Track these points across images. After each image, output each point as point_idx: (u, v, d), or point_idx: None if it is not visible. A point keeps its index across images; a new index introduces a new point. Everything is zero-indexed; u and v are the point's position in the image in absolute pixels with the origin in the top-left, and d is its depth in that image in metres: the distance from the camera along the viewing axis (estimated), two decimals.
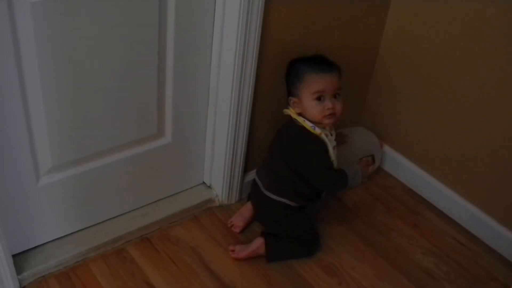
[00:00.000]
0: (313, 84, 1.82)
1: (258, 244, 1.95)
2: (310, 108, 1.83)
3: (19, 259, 1.79)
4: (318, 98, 1.82)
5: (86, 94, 1.66)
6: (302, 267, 1.97)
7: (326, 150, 1.88)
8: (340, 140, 2.06)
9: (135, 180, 1.96)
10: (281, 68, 1.94)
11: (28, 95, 1.54)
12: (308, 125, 1.85)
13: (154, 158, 1.96)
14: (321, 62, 1.85)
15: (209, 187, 2.18)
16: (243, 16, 1.73)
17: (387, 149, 2.42)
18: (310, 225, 2.04)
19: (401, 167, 2.39)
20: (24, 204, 1.72)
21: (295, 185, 1.93)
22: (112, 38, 1.61)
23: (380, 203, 2.30)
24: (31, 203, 1.74)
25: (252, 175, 2.15)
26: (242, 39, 1.77)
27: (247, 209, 2.09)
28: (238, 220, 2.07)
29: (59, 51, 1.53)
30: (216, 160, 2.10)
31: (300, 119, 1.86)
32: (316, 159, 1.88)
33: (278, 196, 1.94)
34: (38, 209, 1.77)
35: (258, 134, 2.09)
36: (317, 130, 1.84)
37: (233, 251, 1.96)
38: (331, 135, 1.90)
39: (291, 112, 1.88)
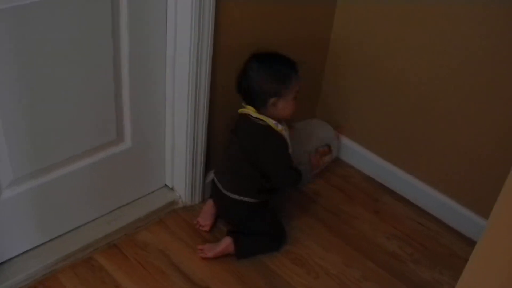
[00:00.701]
0: (296, 85, 1.89)
1: (226, 243, 1.96)
2: (288, 107, 1.90)
3: None
4: (295, 97, 1.89)
5: (42, 104, 1.64)
6: (272, 261, 2.00)
7: (287, 147, 1.93)
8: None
9: (98, 187, 1.95)
10: (236, 66, 1.96)
11: None
12: (272, 122, 1.89)
13: (115, 163, 1.95)
14: (291, 61, 1.92)
15: (172, 189, 2.18)
16: (195, 16, 1.74)
17: (344, 139, 2.46)
18: (274, 219, 2.06)
19: (358, 156, 2.44)
20: None
21: (257, 183, 1.95)
22: (66, 45, 1.60)
23: (340, 192, 2.34)
24: None
25: (212, 175, 2.16)
26: (195, 38, 1.79)
27: (209, 207, 2.10)
28: (204, 219, 2.08)
29: (13, 62, 1.51)
30: (176, 162, 2.10)
31: (264, 118, 1.89)
32: (282, 159, 1.94)
33: (239, 195, 1.96)
34: (2, 223, 1.73)
35: (216, 133, 2.10)
36: (279, 127, 1.89)
37: (201, 250, 1.96)
38: (285, 130, 1.95)
39: (250, 110, 1.90)
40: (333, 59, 2.38)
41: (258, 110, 1.90)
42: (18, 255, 1.84)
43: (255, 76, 1.87)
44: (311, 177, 2.26)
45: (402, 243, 2.12)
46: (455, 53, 1.97)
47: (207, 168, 2.16)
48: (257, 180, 1.95)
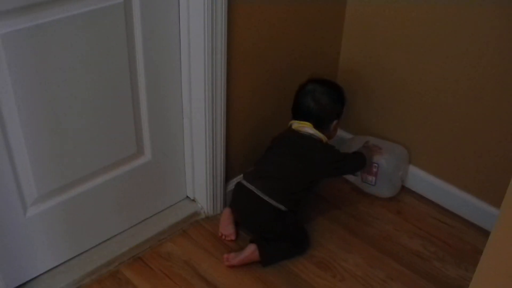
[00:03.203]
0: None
1: (251, 250, 1.97)
2: (337, 128, 2.14)
3: None
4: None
5: (63, 121, 1.67)
6: (296, 265, 2.00)
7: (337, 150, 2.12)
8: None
9: (120, 201, 1.97)
10: (250, 74, 1.99)
11: (7, 127, 1.55)
12: (323, 137, 2.05)
13: (136, 177, 1.97)
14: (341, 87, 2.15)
15: (193, 200, 2.20)
16: (208, 27, 1.77)
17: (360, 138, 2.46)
18: (297, 224, 2.06)
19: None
20: (14, 237, 1.72)
21: (299, 193, 2.02)
22: (83, 62, 1.63)
23: (360, 194, 2.34)
24: (21, 235, 1.73)
25: (233, 184, 2.17)
26: (209, 49, 1.81)
27: (227, 216, 2.11)
28: (226, 229, 2.09)
29: (34, 80, 1.54)
30: (197, 173, 2.12)
31: (319, 134, 2.04)
32: (340, 154, 2.11)
33: (273, 199, 1.95)
34: (28, 241, 1.76)
35: (235, 142, 2.12)
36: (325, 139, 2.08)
37: (227, 258, 1.97)
38: None
39: (307, 125, 2.04)
40: (346, 52, 2.41)
41: (316, 127, 2.04)
42: (45, 272, 1.87)
43: (325, 99, 2.04)
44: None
45: (426, 242, 2.12)
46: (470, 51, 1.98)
47: (227, 178, 2.17)
48: (300, 190, 2.01)
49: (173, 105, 1.96)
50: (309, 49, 2.24)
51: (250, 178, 2.02)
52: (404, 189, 2.38)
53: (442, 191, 2.26)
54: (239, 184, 2.05)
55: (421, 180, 2.32)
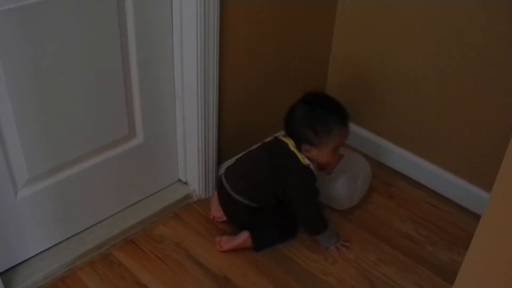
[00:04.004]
0: (340, 138, 1.88)
1: (244, 237, 1.96)
2: (325, 157, 1.90)
3: (6, 277, 1.78)
4: (336, 149, 1.89)
5: (54, 102, 1.66)
6: (289, 249, 2.00)
7: (315, 180, 1.94)
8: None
9: (112, 183, 1.96)
10: (243, 57, 1.98)
11: None
12: (301, 157, 1.89)
13: (128, 159, 1.96)
14: (342, 111, 1.88)
15: (185, 183, 2.19)
16: (200, 8, 1.75)
17: (354, 126, 2.46)
18: (280, 213, 2.01)
19: (370, 142, 2.44)
20: (5, 219, 1.71)
21: (270, 198, 1.97)
22: (74, 43, 1.61)
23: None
24: (12, 217, 1.72)
25: (226, 166, 2.17)
26: (201, 30, 1.79)
27: (218, 198, 2.09)
28: (217, 211, 2.08)
29: (24, 62, 1.53)
30: (189, 156, 2.11)
31: (298, 154, 1.90)
32: (309, 190, 1.95)
33: (244, 199, 1.95)
34: (19, 223, 1.75)
35: (228, 124, 2.11)
36: (306, 161, 1.91)
37: (219, 242, 1.97)
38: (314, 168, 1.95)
39: (290, 143, 1.91)
40: (337, 49, 2.40)
41: (297, 147, 1.90)
42: (37, 255, 1.86)
43: (297, 118, 1.88)
44: None
45: (419, 226, 2.12)
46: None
47: (219, 161, 2.17)
48: (271, 196, 1.96)
49: (165, 87, 1.95)
50: (303, 28, 2.23)
51: (228, 175, 2.00)
52: (397, 174, 2.38)
53: (435, 176, 2.26)
54: (219, 179, 2.04)
55: (414, 165, 2.31)
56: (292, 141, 1.91)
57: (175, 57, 1.90)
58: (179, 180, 2.21)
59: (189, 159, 2.12)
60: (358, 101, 2.39)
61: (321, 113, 1.86)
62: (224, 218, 2.07)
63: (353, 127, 2.38)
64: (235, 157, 2.18)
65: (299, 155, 1.90)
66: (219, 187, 2.04)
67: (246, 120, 2.21)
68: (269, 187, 1.94)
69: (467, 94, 2.04)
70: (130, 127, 1.92)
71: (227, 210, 2.03)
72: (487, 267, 0.91)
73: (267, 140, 2.05)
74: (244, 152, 2.09)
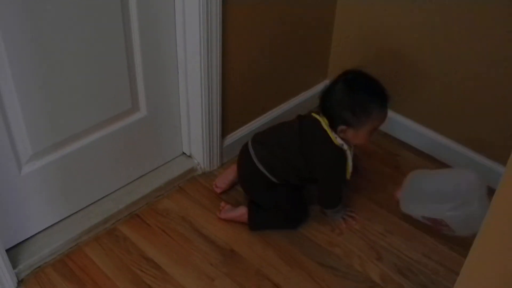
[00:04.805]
0: (379, 120, 1.82)
1: (241, 212, 1.96)
2: (360, 138, 1.83)
3: (12, 253, 1.77)
4: (373, 131, 1.84)
5: (57, 76, 1.64)
6: None
7: (346, 161, 1.87)
8: None
9: (116, 158, 1.95)
10: (247, 28, 1.95)
11: (0, 84, 1.52)
12: (334, 137, 1.83)
13: (131, 133, 1.95)
14: (382, 93, 1.80)
15: (190, 156, 2.18)
16: None
17: None
18: (293, 197, 1.98)
19: None
20: (9, 196, 1.70)
21: (292, 176, 1.92)
22: (76, 17, 1.59)
23: (359, 149, 2.32)
24: (17, 194, 1.72)
25: (230, 139, 2.17)
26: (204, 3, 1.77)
27: (230, 172, 2.09)
28: (220, 182, 2.09)
29: (25, 36, 1.50)
30: (193, 129, 2.09)
31: (331, 134, 1.83)
32: (339, 171, 1.88)
33: (267, 171, 1.90)
34: (24, 199, 1.75)
35: (231, 96, 2.09)
36: (339, 141, 1.83)
37: (221, 209, 1.98)
38: (350, 151, 1.88)
39: (323, 122, 1.84)
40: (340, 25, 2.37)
41: (331, 125, 1.83)
42: (42, 231, 1.86)
43: (335, 98, 1.80)
44: None
45: None
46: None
47: (223, 134, 2.15)
48: (293, 173, 1.91)
49: (168, 59, 1.92)
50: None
51: (255, 141, 1.95)
52: (402, 144, 2.36)
53: (439, 145, 2.24)
54: (245, 143, 1.98)
55: (419, 134, 2.30)
56: (325, 120, 1.84)
57: (177, 28, 1.87)
58: (183, 153, 2.19)
59: (193, 132, 2.10)
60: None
61: (361, 94, 1.79)
62: (219, 191, 2.08)
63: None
64: (240, 129, 2.17)
65: (332, 135, 1.82)
66: (243, 151, 2.00)
67: (250, 92, 2.19)
68: (293, 163, 1.88)
69: (472, 61, 2.01)
70: (133, 100, 1.90)
71: (244, 175, 2.01)
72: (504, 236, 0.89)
73: (303, 114, 1.98)
74: (276, 124, 2.03)
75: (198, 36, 1.84)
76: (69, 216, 1.91)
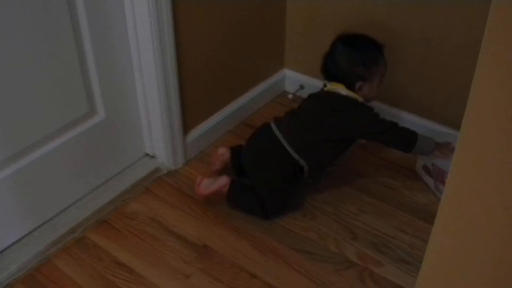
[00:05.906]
0: (384, 66, 1.95)
1: (223, 182, 1.92)
2: (374, 90, 1.95)
3: None
4: (382, 80, 1.96)
5: (6, 86, 1.58)
6: None
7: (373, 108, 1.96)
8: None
9: (78, 164, 1.90)
10: (200, 19, 1.94)
11: None
12: (357, 96, 1.92)
13: (91, 138, 1.90)
14: (378, 42, 1.94)
15: (153, 156, 2.14)
16: None
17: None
18: (289, 196, 1.97)
19: None
20: None
21: (325, 156, 1.95)
22: (20, 21, 1.54)
23: None
24: None
25: (192, 135, 2.14)
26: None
27: (223, 153, 2.07)
28: (215, 165, 2.09)
29: None
30: (153, 128, 2.06)
31: (354, 94, 1.92)
32: (378, 120, 1.93)
33: (299, 156, 1.89)
34: None
35: (190, 91, 2.06)
36: (361, 99, 1.93)
37: (199, 184, 1.93)
38: None
39: (339, 87, 1.92)
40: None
41: (348, 87, 1.92)
42: (8, 247, 1.80)
43: (343, 60, 1.91)
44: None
45: (393, 173, 2.12)
46: None
47: (185, 130, 2.12)
48: (324, 147, 1.92)
49: (122, 59, 1.88)
50: None
51: (280, 125, 1.94)
52: None
53: (402, 120, 2.24)
54: (266, 125, 1.98)
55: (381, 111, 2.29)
56: (341, 85, 1.92)
57: (128, 27, 1.84)
58: (147, 154, 2.15)
59: (154, 132, 2.07)
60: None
61: (365, 47, 1.93)
62: (214, 168, 2.08)
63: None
64: (201, 124, 2.15)
65: (355, 96, 1.91)
66: (263, 131, 1.99)
67: (209, 87, 2.16)
68: (327, 135, 1.90)
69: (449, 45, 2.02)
70: (90, 103, 1.85)
71: (259, 153, 1.97)
72: (465, 201, 0.89)
73: (312, 94, 2.02)
74: (289, 111, 2.02)
75: (150, 34, 1.81)
76: (35, 229, 1.85)
